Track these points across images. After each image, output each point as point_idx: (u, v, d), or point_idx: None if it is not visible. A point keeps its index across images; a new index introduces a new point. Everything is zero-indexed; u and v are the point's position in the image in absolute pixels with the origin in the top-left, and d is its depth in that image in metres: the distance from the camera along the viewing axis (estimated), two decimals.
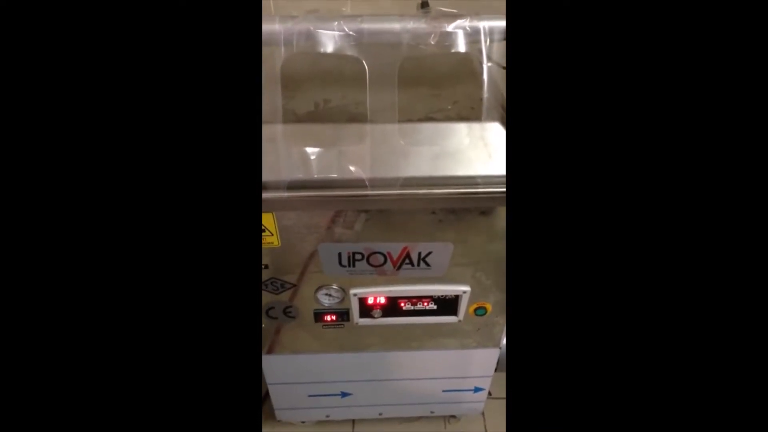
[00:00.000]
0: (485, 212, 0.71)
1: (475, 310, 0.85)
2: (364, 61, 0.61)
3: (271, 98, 0.62)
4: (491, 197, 0.67)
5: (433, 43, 0.60)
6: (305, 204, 0.67)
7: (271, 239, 0.72)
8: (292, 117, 0.67)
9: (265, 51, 0.54)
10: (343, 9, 0.66)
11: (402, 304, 0.83)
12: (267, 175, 0.62)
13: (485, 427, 1.23)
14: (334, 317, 0.84)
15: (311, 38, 0.60)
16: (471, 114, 0.69)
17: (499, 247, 0.75)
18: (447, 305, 0.83)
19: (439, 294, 0.81)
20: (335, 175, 0.64)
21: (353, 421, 1.21)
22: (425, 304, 0.83)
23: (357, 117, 0.67)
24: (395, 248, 0.74)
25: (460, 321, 0.86)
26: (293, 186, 0.64)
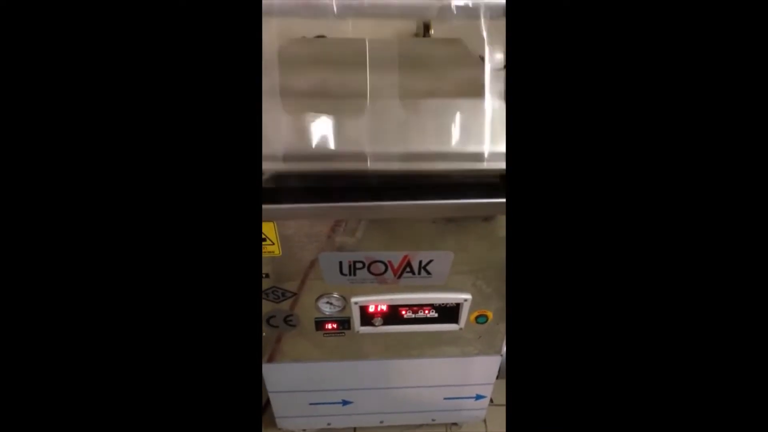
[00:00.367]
0: (487, 219, 0.71)
1: (476, 317, 0.85)
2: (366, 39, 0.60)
3: (269, 75, 0.61)
4: (492, 204, 0.67)
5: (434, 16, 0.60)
6: (307, 214, 0.67)
7: (272, 248, 0.72)
8: (290, 93, 0.66)
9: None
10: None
11: (403, 312, 0.83)
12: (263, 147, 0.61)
13: None
14: (335, 325, 0.84)
15: (310, 9, 0.59)
16: (473, 93, 0.67)
17: (500, 255, 0.75)
18: (448, 313, 0.83)
19: (440, 302, 0.81)
20: (333, 147, 0.62)
21: (354, 429, 1.20)
22: (426, 312, 0.83)
23: (357, 93, 0.66)
24: (396, 257, 0.74)
25: (461, 329, 0.86)
26: (289, 158, 0.62)
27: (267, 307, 0.81)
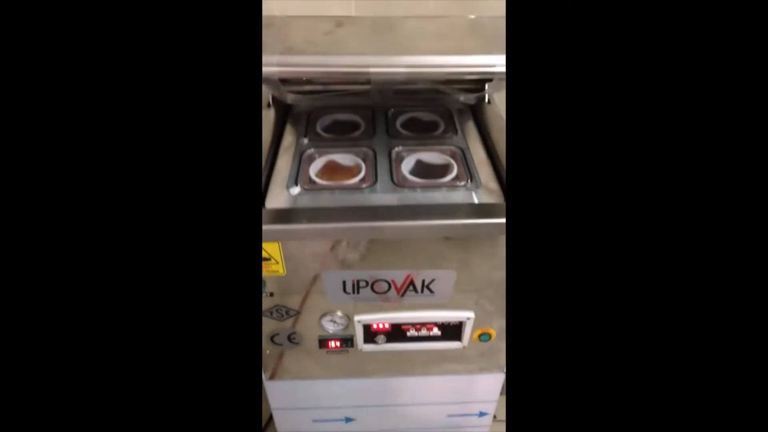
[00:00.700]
0: (491, 235, 0.72)
1: (480, 336, 0.85)
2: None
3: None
4: (493, 225, 0.68)
5: None
6: (311, 234, 0.68)
7: (276, 267, 0.72)
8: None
9: None
10: None
11: (406, 331, 0.83)
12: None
13: None
14: (338, 343, 0.85)
15: None
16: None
17: (502, 274, 0.75)
18: (451, 331, 0.83)
19: (444, 320, 0.82)
20: (334, 56, 0.64)
21: None
22: (429, 330, 0.83)
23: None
24: (399, 276, 0.75)
25: (464, 347, 0.86)
26: (284, 63, 0.63)
27: (271, 325, 0.81)
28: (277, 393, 0.97)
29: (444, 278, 0.75)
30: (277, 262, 0.72)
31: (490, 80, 0.99)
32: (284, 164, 0.82)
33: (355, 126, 0.94)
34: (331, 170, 0.82)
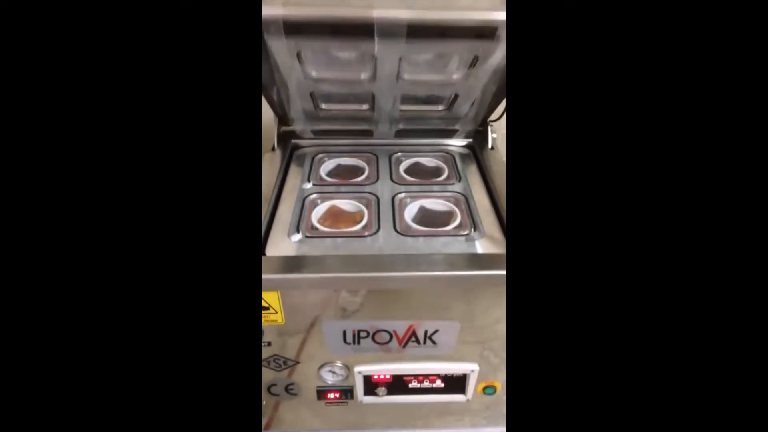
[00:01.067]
0: (495, 286, 0.70)
1: (484, 388, 0.82)
2: None
3: None
4: (496, 276, 0.66)
5: None
6: (311, 283, 0.67)
7: (275, 317, 0.71)
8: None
9: None
10: None
11: (408, 382, 0.80)
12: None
13: None
14: (337, 395, 0.82)
15: None
16: None
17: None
18: (455, 384, 0.80)
19: (447, 372, 0.79)
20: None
21: None
22: (432, 382, 0.80)
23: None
24: (401, 326, 0.73)
25: (468, 400, 0.83)
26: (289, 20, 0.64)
27: (268, 375, 0.79)
28: None
29: (447, 329, 0.73)
30: (276, 312, 0.70)
31: (493, 120, 0.99)
32: (286, 209, 0.81)
33: (358, 171, 0.94)
34: (333, 216, 0.82)
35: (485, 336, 0.75)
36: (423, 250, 0.72)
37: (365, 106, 0.97)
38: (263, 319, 0.71)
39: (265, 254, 0.71)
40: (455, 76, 0.85)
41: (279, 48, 0.74)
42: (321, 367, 0.78)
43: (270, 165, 0.94)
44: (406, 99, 0.93)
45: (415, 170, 0.95)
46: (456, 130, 1.03)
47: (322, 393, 0.81)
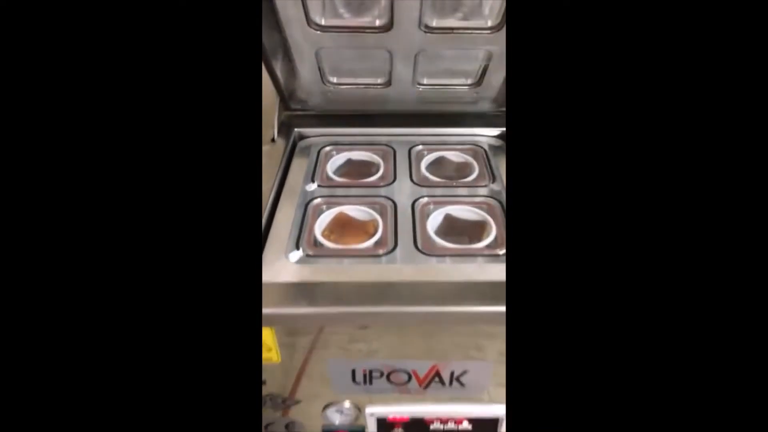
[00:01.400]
0: None
1: None
2: None
3: None
4: None
5: None
6: (312, 320, 0.54)
7: (269, 355, 0.58)
8: None
9: None
10: None
11: (429, 424, 0.68)
12: None
13: None
14: None
15: None
16: None
17: None
18: (484, 427, 0.68)
19: (476, 415, 0.66)
20: None
21: None
22: (458, 424, 0.68)
23: None
24: (422, 366, 0.60)
25: None
26: None
27: (265, 414, 0.67)
28: None
29: (478, 371, 0.60)
30: (270, 349, 0.58)
31: None
32: (285, 217, 0.68)
33: (372, 168, 0.80)
34: (341, 226, 0.68)
35: None
36: (451, 276, 0.58)
37: (380, 80, 0.84)
38: None
39: None
40: (489, 23, 0.71)
41: None
42: (326, 407, 0.66)
43: (269, 159, 0.80)
44: (428, 70, 0.80)
45: (439, 167, 0.80)
46: (486, 115, 0.88)
47: None
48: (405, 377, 0.61)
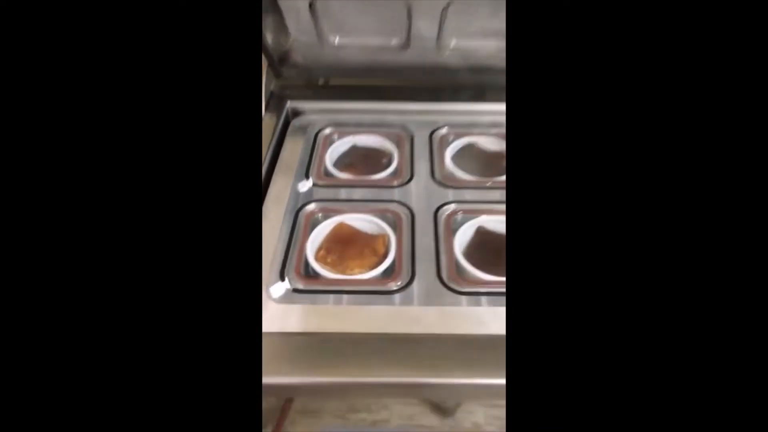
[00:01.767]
0: None
1: None
2: None
3: None
4: None
5: None
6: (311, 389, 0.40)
7: None
8: None
9: None
10: None
11: None
12: None
13: None
14: None
15: None
16: None
17: None
18: None
19: None
20: None
21: None
22: None
23: None
24: None
25: None
26: None
27: None
28: None
29: None
30: None
31: None
32: (269, 231, 0.52)
33: (383, 158, 0.63)
34: (342, 243, 0.52)
35: None
36: (488, 326, 0.43)
37: (394, 41, 0.67)
38: None
39: None
40: None
41: None
42: None
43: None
44: (457, 28, 0.63)
45: (469, 159, 0.63)
46: None
47: None
48: None
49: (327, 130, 0.67)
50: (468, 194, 0.57)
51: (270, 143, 0.65)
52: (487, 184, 0.58)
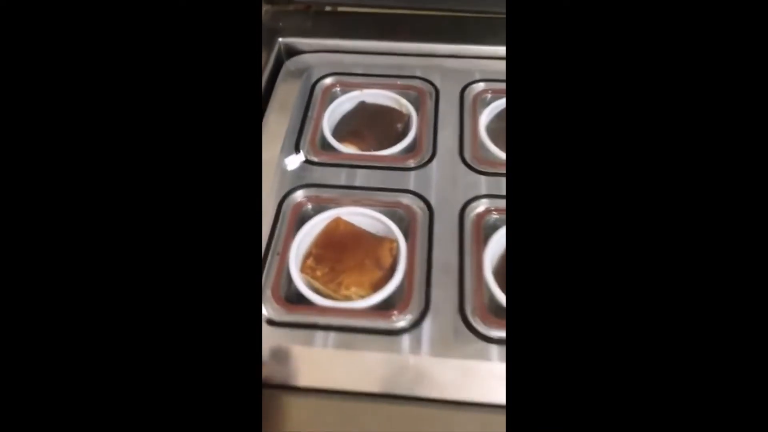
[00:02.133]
0: None
1: None
2: None
3: None
4: None
5: None
6: None
7: None
8: None
9: None
10: None
11: None
12: None
13: None
14: None
15: None
16: None
17: None
18: None
19: None
20: None
21: None
22: None
23: None
24: None
25: None
26: None
27: None
28: None
29: None
30: None
31: None
32: None
33: (397, 121, 0.49)
34: (336, 249, 0.40)
35: None
36: None
37: None
38: None
39: None
40: None
41: None
42: None
43: None
44: None
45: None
46: None
47: None
48: None
49: (328, 81, 0.52)
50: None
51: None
52: None
